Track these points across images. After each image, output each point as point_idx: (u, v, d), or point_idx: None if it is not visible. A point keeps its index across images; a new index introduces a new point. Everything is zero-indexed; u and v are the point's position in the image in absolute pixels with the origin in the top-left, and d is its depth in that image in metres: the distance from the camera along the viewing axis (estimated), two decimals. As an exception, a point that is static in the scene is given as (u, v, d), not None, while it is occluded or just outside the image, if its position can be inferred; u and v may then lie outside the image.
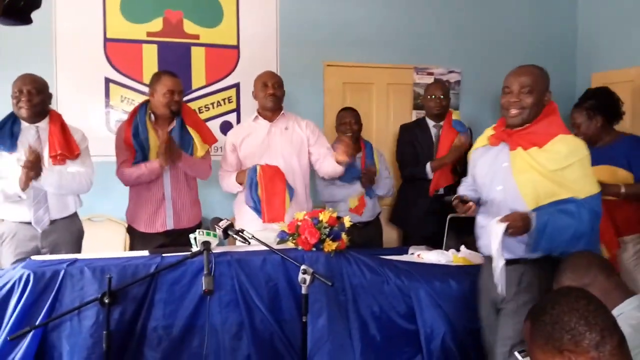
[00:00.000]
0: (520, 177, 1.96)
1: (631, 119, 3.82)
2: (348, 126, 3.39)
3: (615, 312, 1.58)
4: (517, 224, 1.85)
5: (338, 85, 4.11)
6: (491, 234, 1.90)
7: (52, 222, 2.69)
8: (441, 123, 3.54)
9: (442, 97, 3.48)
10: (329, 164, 2.95)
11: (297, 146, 3.00)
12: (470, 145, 3.33)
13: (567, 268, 1.80)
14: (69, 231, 2.76)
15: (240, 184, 2.93)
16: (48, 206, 2.66)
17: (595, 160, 2.69)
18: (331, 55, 4.06)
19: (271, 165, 2.86)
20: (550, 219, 1.86)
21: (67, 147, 2.67)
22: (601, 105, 2.86)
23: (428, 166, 3.42)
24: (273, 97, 2.95)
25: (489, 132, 2.18)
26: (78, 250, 2.81)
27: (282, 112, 3.03)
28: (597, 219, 1.94)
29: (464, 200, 2.11)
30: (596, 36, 4.43)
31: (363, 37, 4.09)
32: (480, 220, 2.16)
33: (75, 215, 2.84)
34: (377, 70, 4.16)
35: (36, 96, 2.63)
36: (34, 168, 2.48)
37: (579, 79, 4.56)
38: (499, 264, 1.90)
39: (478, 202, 2.17)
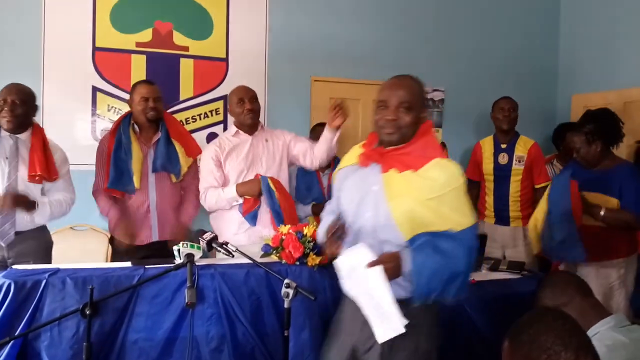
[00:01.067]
0: (395, 203, 1.69)
1: (609, 140, 3.93)
2: None
3: (591, 331, 1.63)
4: (387, 266, 1.62)
5: (325, 100, 4.16)
6: (365, 279, 1.64)
7: (19, 233, 2.62)
8: None
9: None
10: (320, 144, 2.93)
11: (278, 158, 3.03)
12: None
13: (546, 287, 1.85)
14: (36, 241, 2.69)
15: (241, 196, 2.85)
16: (15, 221, 2.59)
17: (589, 186, 2.77)
18: (319, 71, 4.11)
19: (270, 177, 2.88)
20: (427, 261, 1.63)
21: (47, 169, 2.62)
22: (601, 129, 2.80)
23: None
24: (251, 112, 2.92)
25: (357, 150, 1.90)
26: (48, 260, 2.75)
27: (261, 125, 3.05)
28: (473, 254, 1.72)
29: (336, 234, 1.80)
30: (577, 59, 4.56)
31: (351, 54, 4.16)
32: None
33: (44, 226, 2.77)
34: (363, 86, 4.22)
35: (20, 107, 2.58)
36: (24, 206, 2.50)
37: (559, 100, 4.69)
38: (388, 309, 1.63)
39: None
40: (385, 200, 1.71)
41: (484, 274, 2.89)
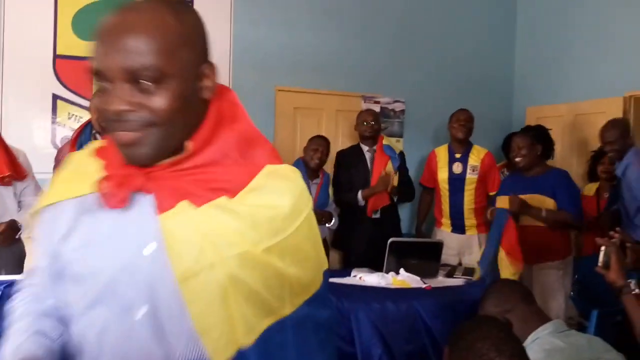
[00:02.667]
0: (193, 286, 0.78)
1: (560, 150, 4.13)
2: (318, 154, 3.50)
3: (532, 336, 1.73)
4: None
5: (289, 110, 4.22)
6: None
7: None
8: (374, 147, 3.70)
9: (372, 122, 3.67)
10: None
11: None
12: (403, 167, 3.66)
13: (492, 294, 1.95)
14: (10, 251, 2.69)
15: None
16: None
17: (526, 189, 3.01)
18: (283, 81, 4.17)
19: None
20: None
21: (14, 168, 2.62)
22: (542, 138, 3.16)
23: (359, 194, 3.55)
24: None
25: (84, 162, 0.92)
26: (20, 271, 2.73)
27: None
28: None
29: None
30: (531, 72, 4.76)
31: (314, 64, 4.23)
32: None
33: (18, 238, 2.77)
34: (327, 96, 4.31)
35: None
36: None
37: (514, 112, 4.88)
38: None
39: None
40: (171, 281, 0.78)
41: (440, 280, 3.00)
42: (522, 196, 2.96)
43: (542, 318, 1.82)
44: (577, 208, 3.03)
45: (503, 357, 1.18)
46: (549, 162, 3.28)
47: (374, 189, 3.54)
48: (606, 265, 1.71)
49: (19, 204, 2.69)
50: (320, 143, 3.55)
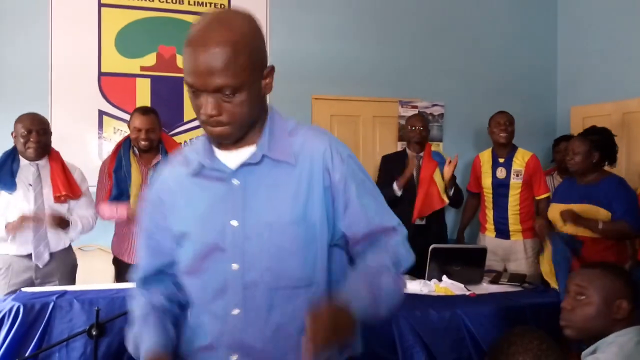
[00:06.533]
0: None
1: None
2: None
3: (615, 335, 1.60)
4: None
5: (326, 118, 4.24)
6: None
7: (51, 254, 2.76)
8: (421, 154, 3.66)
9: (421, 128, 3.63)
10: None
11: None
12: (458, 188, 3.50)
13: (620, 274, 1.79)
14: (63, 263, 2.82)
15: None
16: (48, 242, 2.73)
17: (579, 198, 2.87)
18: (319, 89, 4.19)
19: None
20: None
21: (70, 188, 2.77)
22: (604, 144, 2.92)
23: (395, 184, 3.50)
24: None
25: None
26: (72, 281, 2.86)
27: None
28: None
29: None
30: (576, 71, 4.61)
31: (350, 72, 4.24)
32: None
33: (70, 248, 2.90)
34: (363, 103, 4.30)
35: (43, 136, 2.74)
36: (60, 225, 2.65)
37: (559, 112, 4.73)
38: None
39: None
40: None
41: (484, 287, 2.93)
42: (574, 206, 2.82)
43: (633, 322, 1.71)
44: (636, 217, 2.83)
45: None
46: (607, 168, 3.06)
47: (406, 174, 3.49)
48: None
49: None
50: None
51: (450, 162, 3.50)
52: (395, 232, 1.17)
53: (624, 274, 1.56)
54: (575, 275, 1.57)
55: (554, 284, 2.82)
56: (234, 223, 1.09)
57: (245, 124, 1.09)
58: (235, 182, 1.11)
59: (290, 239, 1.08)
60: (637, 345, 1.45)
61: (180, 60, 3.93)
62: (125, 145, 2.95)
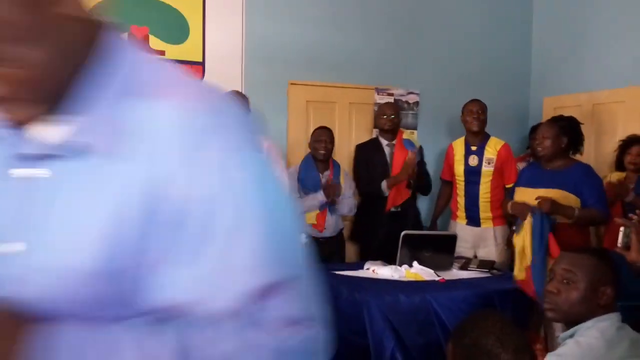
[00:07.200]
0: None
1: (578, 141, 4.05)
2: (323, 144, 3.50)
3: (595, 320, 1.54)
4: None
5: (302, 104, 4.21)
6: None
7: None
8: (394, 142, 3.68)
9: (393, 115, 3.66)
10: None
11: None
12: (421, 161, 3.52)
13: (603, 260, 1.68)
14: None
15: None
16: None
17: (547, 183, 2.90)
18: (296, 75, 4.16)
19: None
20: None
21: None
22: (570, 130, 3.00)
23: (384, 184, 3.55)
24: None
25: None
26: None
27: None
28: None
29: None
30: (548, 62, 4.67)
31: (327, 58, 4.21)
32: None
33: None
34: (340, 89, 4.28)
35: None
36: None
37: (531, 102, 4.80)
38: None
39: None
40: None
41: (454, 273, 2.98)
42: (545, 191, 2.84)
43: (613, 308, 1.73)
44: (605, 204, 2.89)
45: (507, 351, 1.17)
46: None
47: (397, 177, 3.53)
48: (626, 245, 1.67)
49: None
50: (322, 133, 3.55)
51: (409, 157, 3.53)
52: (285, 289, 0.61)
53: (610, 261, 1.57)
54: (562, 259, 1.57)
55: (520, 265, 2.85)
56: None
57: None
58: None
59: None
60: (618, 330, 1.46)
61: (153, 41, 3.85)
62: None
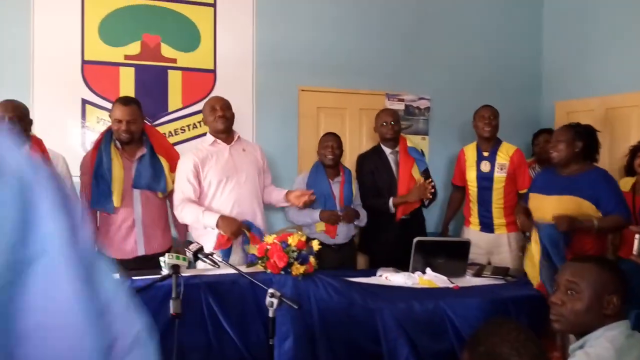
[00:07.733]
0: None
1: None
2: (330, 149, 3.46)
3: (604, 329, 1.58)
4: None
5: (312, 110, 4.22)
6: None
7: None
8: (397, 149, 3.65)
9: (392, 123, 3.60)
10: (277, 194, 3.14)
11: (257, 168, 3.10)
12: (434, 189, 3.42)
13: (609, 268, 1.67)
14: None
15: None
16: None
17: (561, 189, 2.83)
18: (306, 81, 4.17)
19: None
20: None
21: None
22: (587, 136, 2.88)
23: (391, 202, 3.49)
24: (222, 118, 2.98)
25: None
26: None
27: (238, 135, 3.11)
28: None
29: None
30: (560, 66, 4.64)
31: (337, 64, 4.22)
32: None
33: None
34: (350, 95, 4.28)
35: (18, 123, 2.65)
36: None
37: (543, 107, 4.76)
38: None
39: None
40: None
41: (468, 280, 2.95)
42: (556, 198, 2.79)
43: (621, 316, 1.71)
44: (625, 206, 2.79)
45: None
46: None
47: (407, 198, 3.46)
48: None
49: None
50: (329, 139, 3.51)
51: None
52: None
53: (615, 269, 1.55)
54: (565, 270, 1.55)
55: (534, 281, 2.81)
56: None
57: None
58: None
59: None
60: (628, 339, 1.44)
61: (164, 49, 3.88)
62: (106, 139, 2.89)
